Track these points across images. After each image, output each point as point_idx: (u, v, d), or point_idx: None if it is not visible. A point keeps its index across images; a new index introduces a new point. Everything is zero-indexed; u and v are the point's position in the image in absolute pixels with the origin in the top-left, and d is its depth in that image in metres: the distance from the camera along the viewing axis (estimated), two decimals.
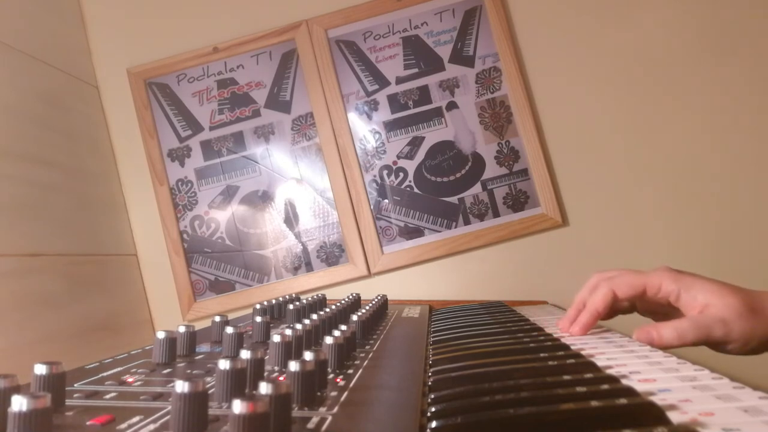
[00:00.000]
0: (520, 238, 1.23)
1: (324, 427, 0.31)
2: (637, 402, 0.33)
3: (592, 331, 0.63)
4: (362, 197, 1.26)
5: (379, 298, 0.85)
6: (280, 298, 0.84)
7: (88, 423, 0.33)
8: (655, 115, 1.24)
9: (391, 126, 1.28)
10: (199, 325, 0.63)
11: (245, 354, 0.38)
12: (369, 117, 1.29)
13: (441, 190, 1.25)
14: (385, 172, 1.27)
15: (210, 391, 0.32)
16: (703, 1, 1.26)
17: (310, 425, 0.32)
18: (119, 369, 0.49)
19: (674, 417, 0.31)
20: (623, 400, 0.33)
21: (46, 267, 1.01)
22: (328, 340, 0.46)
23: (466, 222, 1.24)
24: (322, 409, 0.35)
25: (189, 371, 0.48)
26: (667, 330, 0.55)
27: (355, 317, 0.61)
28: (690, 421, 0.31)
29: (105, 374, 0.47)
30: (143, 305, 1.28)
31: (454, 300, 1.17)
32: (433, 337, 0.65)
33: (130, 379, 0.44)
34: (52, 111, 1.15)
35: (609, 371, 0.42)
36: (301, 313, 0.72)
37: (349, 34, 1.31)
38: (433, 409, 0.34)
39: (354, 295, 0.83)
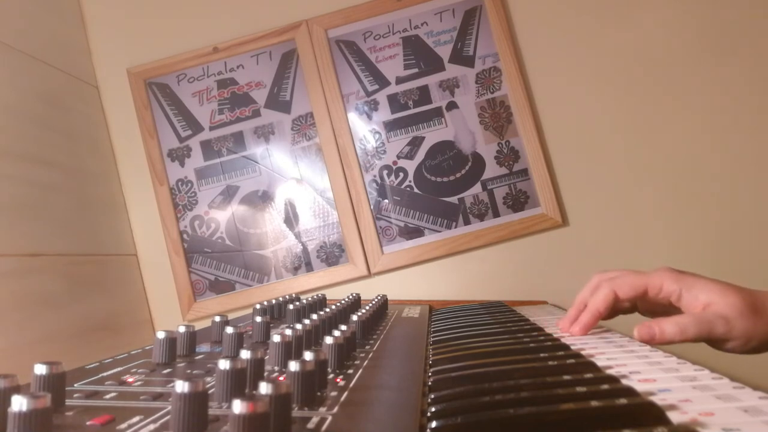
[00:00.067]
0: (520, 238, 1.23)
1: (324, 427, 0.31)
2: (637, 402, 0.33)
3: (592, 331, 0.63)
4: (362, 197, 1.26)
5: (379, 298, 0.85)
6: (280, 298, 0.84)
7: (88, 423, 0.33)
8: (655, 115, 1.24)
9: (391, 126, 1.28)
10: (199, 325, 0.63)
11: (245, 354, 0.38)
12: (369, 117, 1.29)
13: (441, 190, 1.25)
14: (385, 172, 1.27)
15: (210, 391, 0.32)
16: (703, 1, 1.26)
17: (310, 425, 0.32)
18: (119, 369, 0.49)
19: (674, 417, 0.31)
20: (623, 400, 0.33)
21: (46, 267, 1.01)
22: (328, 340, 0.46)
23: (466, 222, 1.24)
24: (322, 409, 0.35)
25: (189, 371, 0.48)
26: (669, 325, 0.55)
27: (355, 317, 0.61)
28: (690, 421, 0.31)
29: (105, 374, 0.47)
30: (143, 305, 1.28)
31: (454, 300, 1.17)
32: (433, 337, 0.65)
33: (130, 379, 0.44)
34: (52, 111, 1.15)
35: (609, 371, 0.42)
36: (301, 313, 0.72)
37: (349, 34, 1.31)
38: (433, 409, 0.34)
39: (354, 295, 0.83)
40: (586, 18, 1.28)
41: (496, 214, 1.23)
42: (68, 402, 0.37)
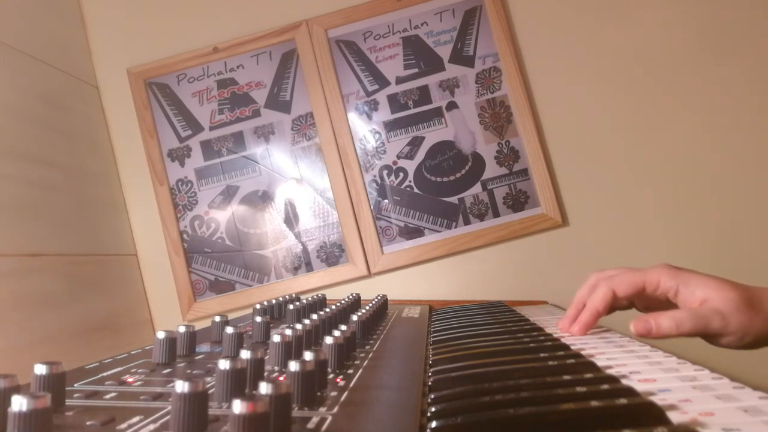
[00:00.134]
0: (520, 238, 1.23)
1: (324, 427, 0.31)
2: (637, 402, 0.33)
3: (592, 330, 0.63)
4: (362, 197, 1.26)
5: (379, 298, 0.85)
6: (280, 298, 0.84)
7: (88, 423, 0.33)
8: (655, 115, 1.24)
9: (391, 126, 1.28)
10: (199, 325, 0.63)
11: (245, 354, 0.38)
12: (369, 117, 1.29)
13: (441, 190, 1.25)
14: (385, 172, 1.27)
15: (210, 391, 0.32)
16: (703, 1, 1.26)
17: (310, 425, 0.32)
18: (119, 369, 0.49)
19: (674, 417, 0.31)
20: (623, 400, 0.33)
21: (46, 267, 1.01)
22: (328, 340, 0.46)
23: (466, 222, 1.24)
24: (322, 409, 0.35)
25: (189, 371, 0.48)
26: (665, 319, 0.55)
27: (355, 317, 0.61)
28: (690, 421, 0.31)
29: (105, 374, 0.47)
30: (143, 305, 1.28)
31: (454, 300, 1.17)
32: (433, 337, 0.65)
33: (130, 379, 0.44)
34: (52, 111, 1.15)
35: (609, 371, 0.42)
36: (301, 313, 0.72)
37: (349, 34, 1.31)
38: (433, 409, 0.35)
39: (354, 295, 0.83)
40: (586, 18, 1.28)
41: (496, 214, 1.23)
42: (68, 402, 0.37)
